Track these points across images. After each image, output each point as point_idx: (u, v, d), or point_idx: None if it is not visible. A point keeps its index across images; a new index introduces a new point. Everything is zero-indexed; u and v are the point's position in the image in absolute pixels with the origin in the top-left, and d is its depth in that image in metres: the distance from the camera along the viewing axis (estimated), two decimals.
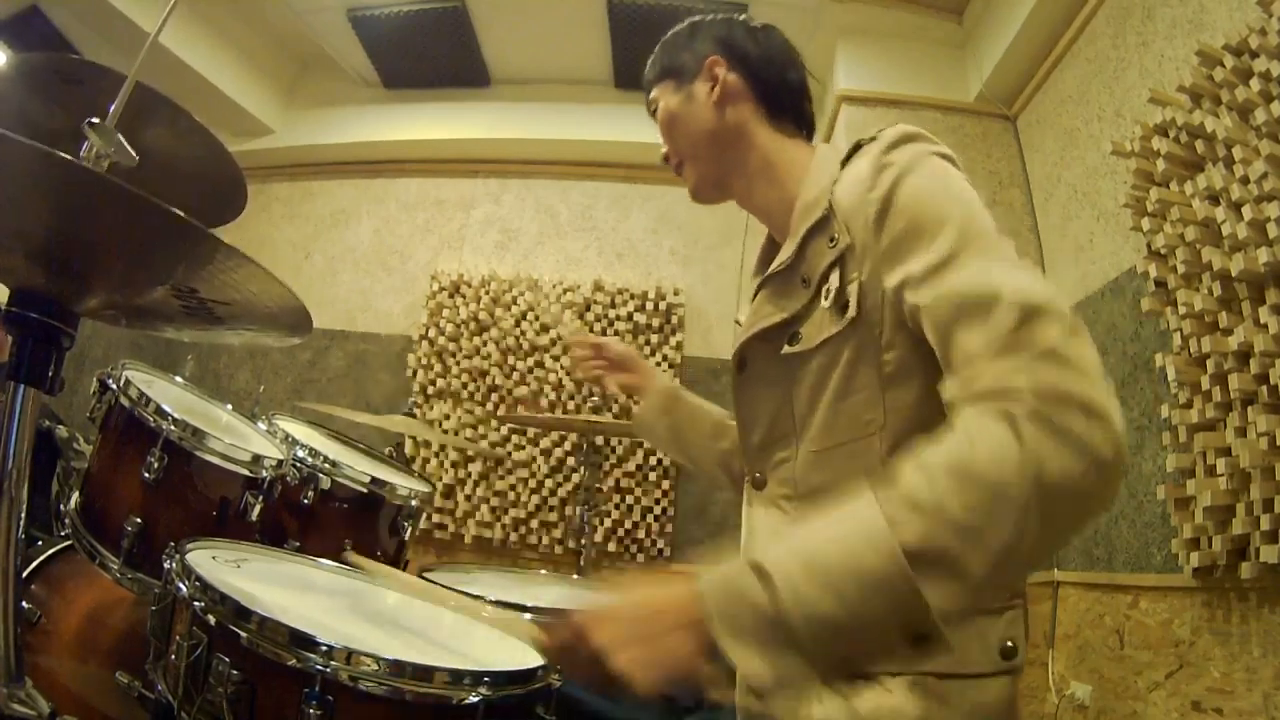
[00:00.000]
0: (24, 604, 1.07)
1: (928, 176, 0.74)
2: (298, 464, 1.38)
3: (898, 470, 0.59)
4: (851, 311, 0.76)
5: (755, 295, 0.89)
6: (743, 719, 0.75)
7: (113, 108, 0.91)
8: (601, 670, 0.58)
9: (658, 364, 3.04)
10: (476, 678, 0.73)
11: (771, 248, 0.97)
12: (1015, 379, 0.57)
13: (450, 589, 1.08)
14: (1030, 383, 0.57)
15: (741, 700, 0.75)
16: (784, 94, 0.95)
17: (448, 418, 3.06)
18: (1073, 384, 0.56)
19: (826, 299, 0.79)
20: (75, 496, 1.19)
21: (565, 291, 3.15)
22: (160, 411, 1.14)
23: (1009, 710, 0.73)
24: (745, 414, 0.89)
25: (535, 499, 2.95)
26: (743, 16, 0.99)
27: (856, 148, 0.83)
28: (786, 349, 0.82)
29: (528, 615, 1.22)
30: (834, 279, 0.78)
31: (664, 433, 1.21)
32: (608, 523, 2.89)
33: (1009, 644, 0.73)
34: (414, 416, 2.31)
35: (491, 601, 1.24)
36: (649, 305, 3.09)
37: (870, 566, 0.54)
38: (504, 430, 3.01)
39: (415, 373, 3.14)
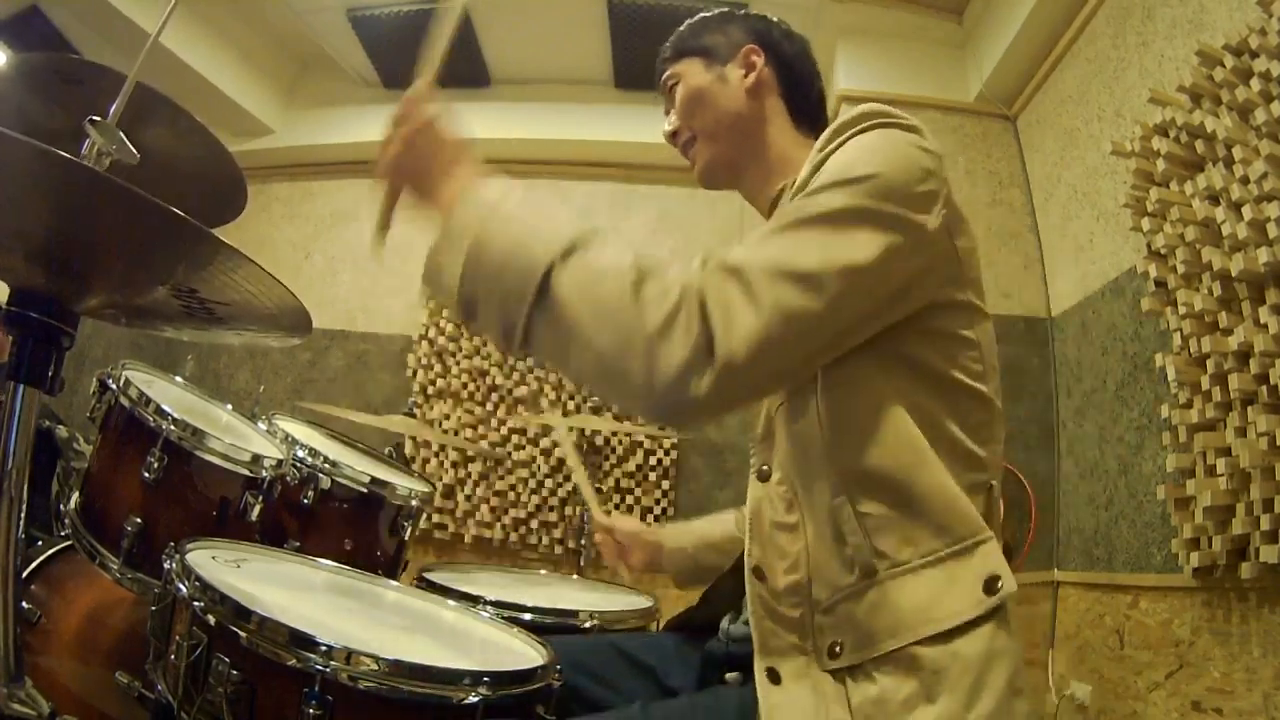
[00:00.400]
0: (24, 604, 1.08)
1: (864, 138, 0.73)
2: (298, 464, 1.38)
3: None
4: None
5: None
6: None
7: (113, 107, 0.91)
8: (391, 149, 0.74)
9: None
10: (476, 677, 0.73)
11: None
12: (711, 279, 0.63)
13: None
14: (703, 285, 0.62)
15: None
16: (808, 98, 0.96)
17: (448, 418, 3.06)
18: (718, 319, 0.61)
19: None
20: (75, 496, 1.18)
21: None
22: (160, 411, 1.14)
23: (1001, 660, 0.66)
24: (748, 409, 0.90)
25: (535, 499, 2.95)
26: (775, 18, 1.00)
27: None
28: None
29: (526, 616, 1.24)
30: None
31: (705, 575, 1.15)
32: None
33: (987, 580, 0.68)
34: (414, 416, 2.31)
35: (490, 602, 1.24)
36: None
37: (527, 258, 0.63)
38: (504, 430, 3.01)
39: (415, 373, 3.14)
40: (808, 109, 0.96)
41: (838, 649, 0.71)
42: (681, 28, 1.00)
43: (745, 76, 0.93)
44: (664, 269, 0.63)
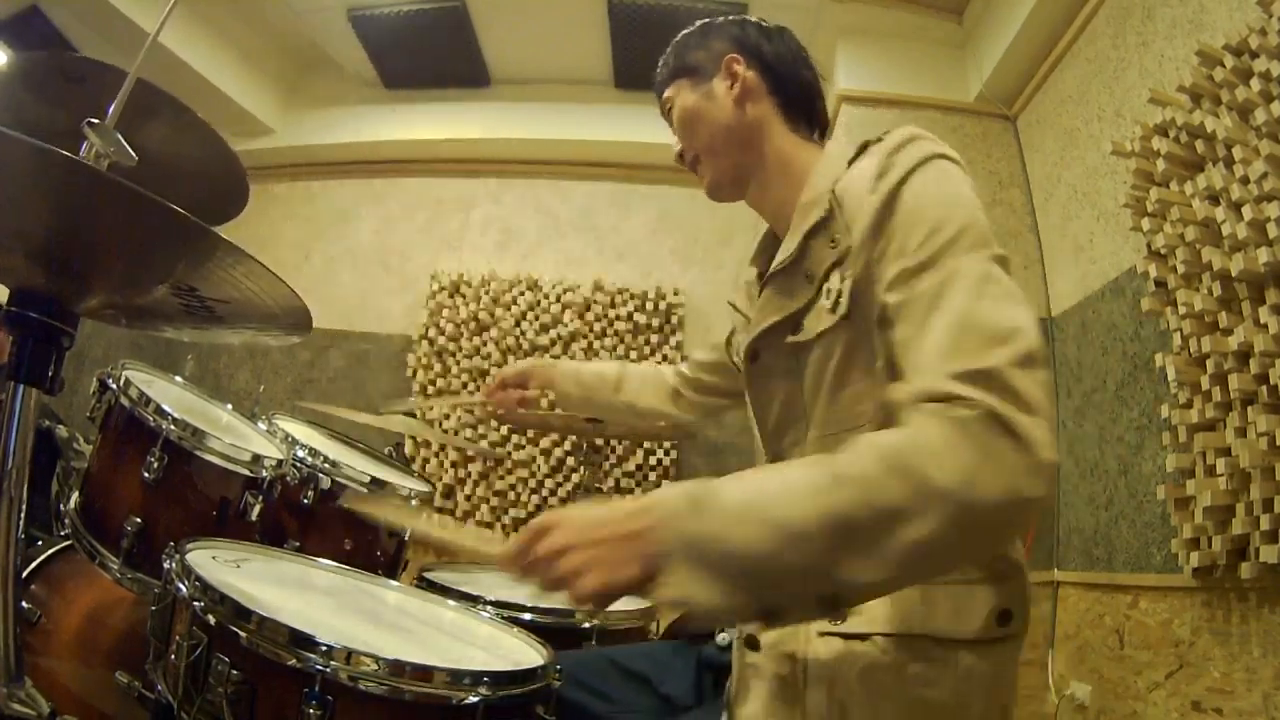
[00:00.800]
0: (24, 604, 1.08)
1: (929, 182, 0.75)
2: (298, 464, 1.38)
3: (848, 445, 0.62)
4: (842, 310, 0.78)
5: (761, 291, 0.90)
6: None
7: (113, 106, 0.91)
8: (549, 575, 0.62)
9: (657, 364, 3.04)
10: (476, 678, 0.73)
11: (772, 240, 0.98)
12: (965, 390, 0.59)
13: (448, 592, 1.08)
14: (979, 400, 0.58)
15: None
16: (799, 93, 0.95)
17: (448, 418, 3.06)
18: (1014, 416, 0.58)
19: (828, 298, 0.81)
20: (75, 496, 1.18)
21: (565, 291, 3.15)
22: (160, 411, 1.14)
23: (1003, 678, 0.75)
24: (759, 402, 0.91)
25: (535, 499, 2.95)
26: (755, 17, 1.00)
27: (863, 148, 0.84)
28: (791, 338, 0.85)
29: (526, 616, 1.24)
30: (835, 279, 0.80)
31: (579, 403, 1.40)
32: None
33: (1004, 611, 0.74)
34: (414, 416, 2.31)
35: (490, 602, 1.24)
36: (649, 305, 3.09)
37: (798, 522, 0.58)
38: (504, 430, 3.01)
39: (415, 373, 3.14)
40: (802, 103, 0.95)
41: (839, 618, 0.75)
42: (668, 50, 1.00)
43: (731, 87, 0.93)
44: (899, 438, 0.60)
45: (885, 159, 0.77)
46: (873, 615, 0.74)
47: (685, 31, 0.99)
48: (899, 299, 0.69)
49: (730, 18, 0.99)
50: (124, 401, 1.16)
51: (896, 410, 0.63)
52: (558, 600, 0.63)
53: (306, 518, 1.41)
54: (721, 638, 0.97)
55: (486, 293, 3.18)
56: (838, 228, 0.80)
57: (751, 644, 0.79)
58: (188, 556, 0.83)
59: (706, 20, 0.99)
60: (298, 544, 1.38)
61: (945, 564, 0.61)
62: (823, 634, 0.75)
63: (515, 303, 3.16)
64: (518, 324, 3.13)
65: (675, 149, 0.99)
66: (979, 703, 0.73)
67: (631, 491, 2.93)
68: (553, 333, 3.10)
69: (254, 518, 1.21)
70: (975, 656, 0.73)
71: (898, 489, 0.57)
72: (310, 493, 1.40)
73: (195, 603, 0.74)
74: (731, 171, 0.95)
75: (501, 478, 2.97)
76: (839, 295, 0.79)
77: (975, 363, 0.60)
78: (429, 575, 1.41)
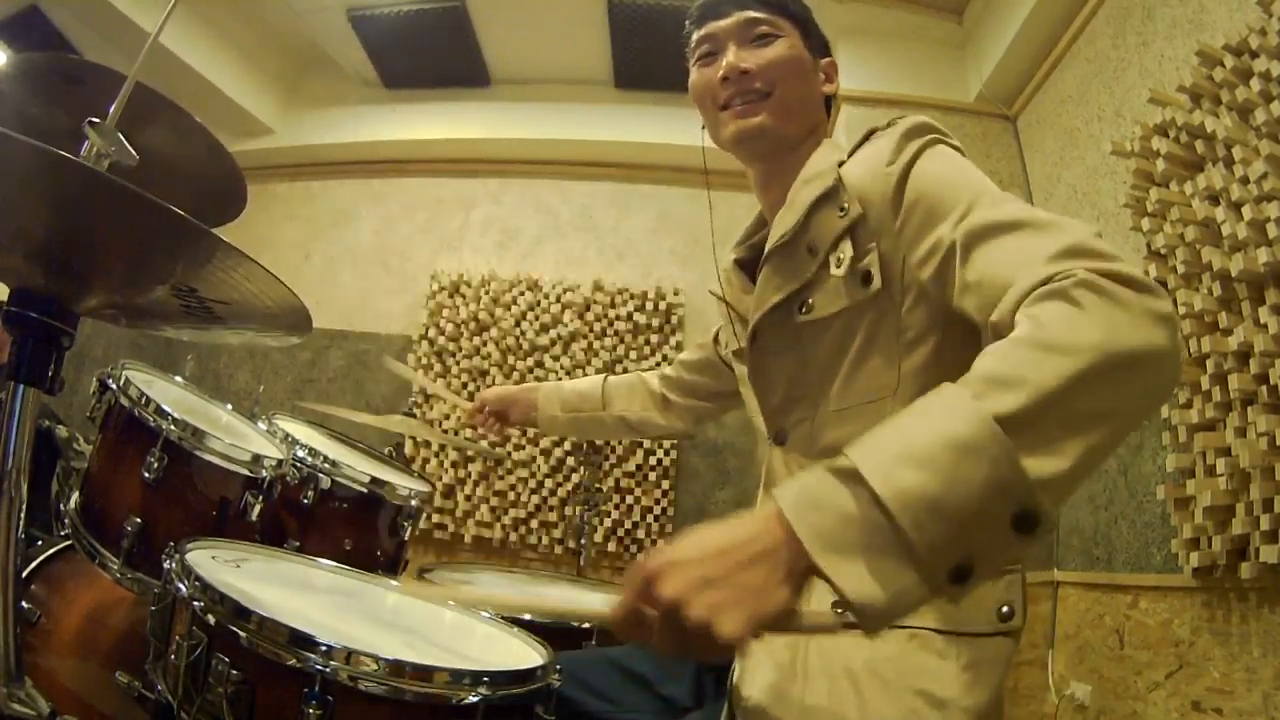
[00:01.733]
0: (24, 604, 1.07)
1: (943, 159, 0.79)
2: (298, 464, 1.38)
3: (974, 361, 0.57)
4: (876, 283, 0.79)
5: (759, 271, 0.90)
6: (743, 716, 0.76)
7: (113, 108, 0.91)
8: (679, 628, 0.50)
9: (657, 364, 3.04)
10: (476, 678, 0.73)
11: (760, 225, 1.00)
12: (1060, 268, 0.59)
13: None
14: (1077, 267, 0.58)
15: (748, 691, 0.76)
16: (833, 112, 1.03)
17: (447, 418, 3.06)
18: (1117, 266, 0.57)
19: (839, 267, 0.81)
20: (75, 496, 1.18)
21: (565, 291, 3.15)
22: (160, 411, 1.14)
23: (1002, 670, 0.76)
24: (761, 382, 0.91)
25: (535, 499, 2.95)
26: None
27: (869, 135, 0.87)
28: (800, 318, 0.85)
29: (526, 616, 1.23)
30: (845, 248, 0.81)
31: (567, 428, 1.41)
32: (607, 523, 2.89)
33: (1006, 608, 0.75)
34: (414, 416, 2.30)
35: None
36: (649, 305, 3.09)
37: (964, 436, 0.50)
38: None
39: (415, 372, 3.14)
40: (828, 126, 1.00)
41: (841, 608, 0.74)
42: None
43: (825, 83, 0.97)
44: (1024, 329, 0.57)
45: (899, 139, 0.80)
46: None
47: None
48: (962, 233, 0.70)
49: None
50: (124, 401, 1.16)
51: (1006, 320, 0.61)
52: (706, 655, 0.51)
53: (306, 518, 1.41)
54: None
55: (486, 293, 3.18)
56: (846, 198, 0.81)
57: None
58: (188, 556, 0.83)
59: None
60: (298, 544, 1.38)
61: (1120, 426, 0.55)
62: None
63: (515, 303, 3.16)
64: (518, 324, 3.13)
65: (741, 64, 0.90)
66: (979, 694, 0.73)
67: (631, 491, 2.93)
68: (553, 333, 3.10)
69: (254, 518, 1.21)
70: (978, 650, 0.74)
71: (1047, 364, 0.52)
72: (310, 493, 1.40)
73: (195, 603, 0.74)
74: (789, 133, 0.93)
75: (501, 478, 2.97)
76: (867, 268, 0.79)
77: (1062, 245, 0.61)
78: (429, 575, 1.41)
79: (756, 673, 0.77)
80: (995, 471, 0.49)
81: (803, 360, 0.86)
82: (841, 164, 0.86)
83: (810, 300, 0.84)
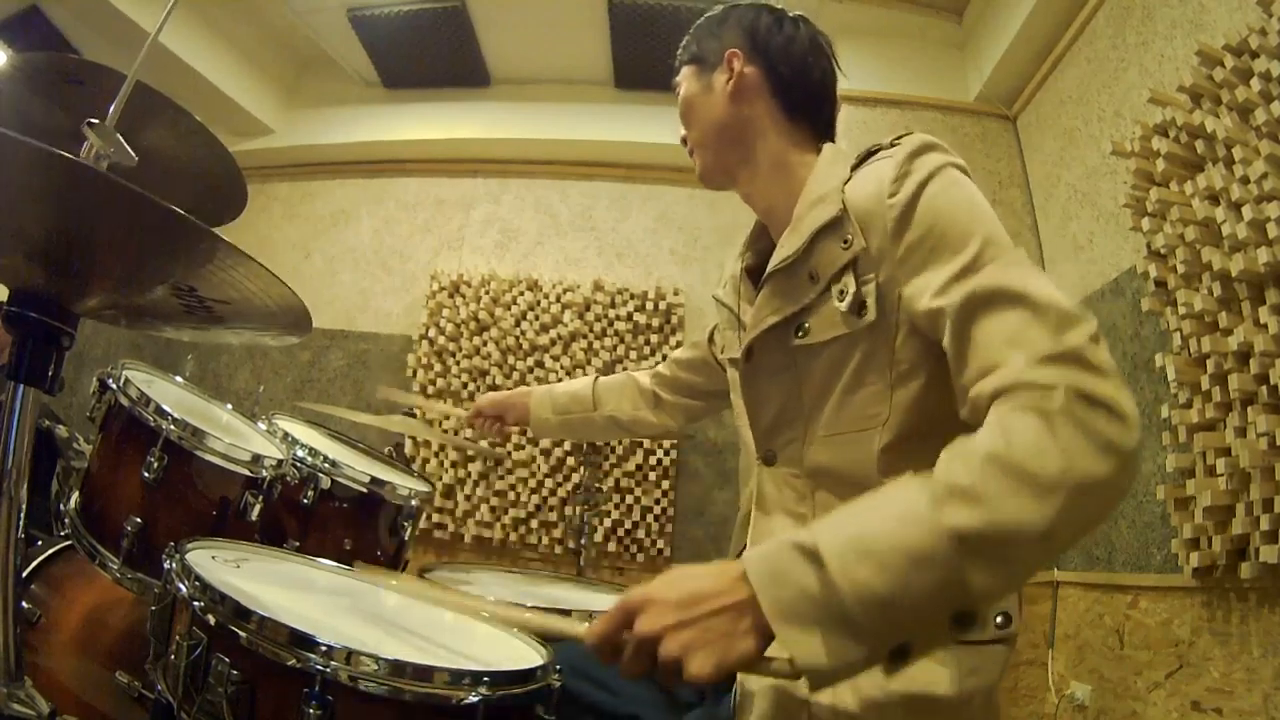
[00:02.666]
0: (24, 604, 1.08)
1: (949, 187, 0.76)
2: (298, 464, 1.38)
3: (939, 459, 0.61)
4: (870, 315, 0.78)
5: (758, 288, 0.89)
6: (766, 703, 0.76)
7: (112, 108, 0.91)
8: (649, 658, 0.58)
9: (657, 364, 3.04)
10: (476, 678, 0.73)
11: (762, 234, 0.99)
12: (1046, 376, 0.60)
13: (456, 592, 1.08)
14: (1061, 382, 0.59)
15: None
16: (802, 92, 0.93)
17: (447, 418, 3.06)
18: (1099, 387, 0.59)
19: (841, 300, 0.81)
20: (75, 496, 1.18)
21: (565, 291, 3.15)
22: (160, 411, 1.14)
23: (1000, 666, 0.77)
24: (753, 400, 0.91)
25: (535, 499, 2.95)
26: (778, 4, 0.98)
27: (871, 153, 0.84)
28: (796, 341, 0.84)
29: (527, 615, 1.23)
30: (848, 281, 0.80)
31: (559, 430, 1.41)
32: (607, 523, 2.89)
33: (1003, 616, 0.77)
34: (414, 416, 2.31)
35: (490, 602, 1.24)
36: (649, 305, 3.09)
37: (918, 545, 0.56)
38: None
39: (415, 373, 3.14)
40: (806, 106, 0.94)
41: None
42: (691, 31, 1.00)
43: (727, 82, 0.92)
44: (993, 440, 0.59)
45: (902, 164, 0.78)
46: None
47: (708, 15, 0.99)
48: (949, 302, 0.69)
49: (748, 5, 0.97)
50: (124, 401, 1.16)
51: (981, 405, 0.63)
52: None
53: (306, 518, 1.41)
54: None
55: (486, 293, 3.18)
56: (850, 229, 0.80)
57: None
58: (188, 556, 0.83)
59: (730, 5, 0.98)
60: (298, 544, 1.38)
61: (1067, 545, 0.61)
62: None
63: (515, 303, 3.16)
64: (518, 324, 3.13)
65: (681, 133, 0.99)
66: (978, 700, 0.74)
67: (631, 491, 2.93)
68: (553, 333, 3.10)
69: (254, 518, 1.21)
70: (977, 657, 0.75)
71: (1009, 493, 0.56)
72: (310, 493, 1.39)
73: (195, 602, 0.74)
74: (719, 165, 0.96)
75: (501, 478, 2.97)
76: (863, 300, 0.79)
77: (1054, 346, 0.62)
78: (429, 575, 1.41)
79: (756, 691, 0.77)
80: (942, 582, 0.56)
81: (796, 383, 0.85)
82: (847, 180, 0.83)
83: (807, 325, 0.83)
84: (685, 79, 0.98)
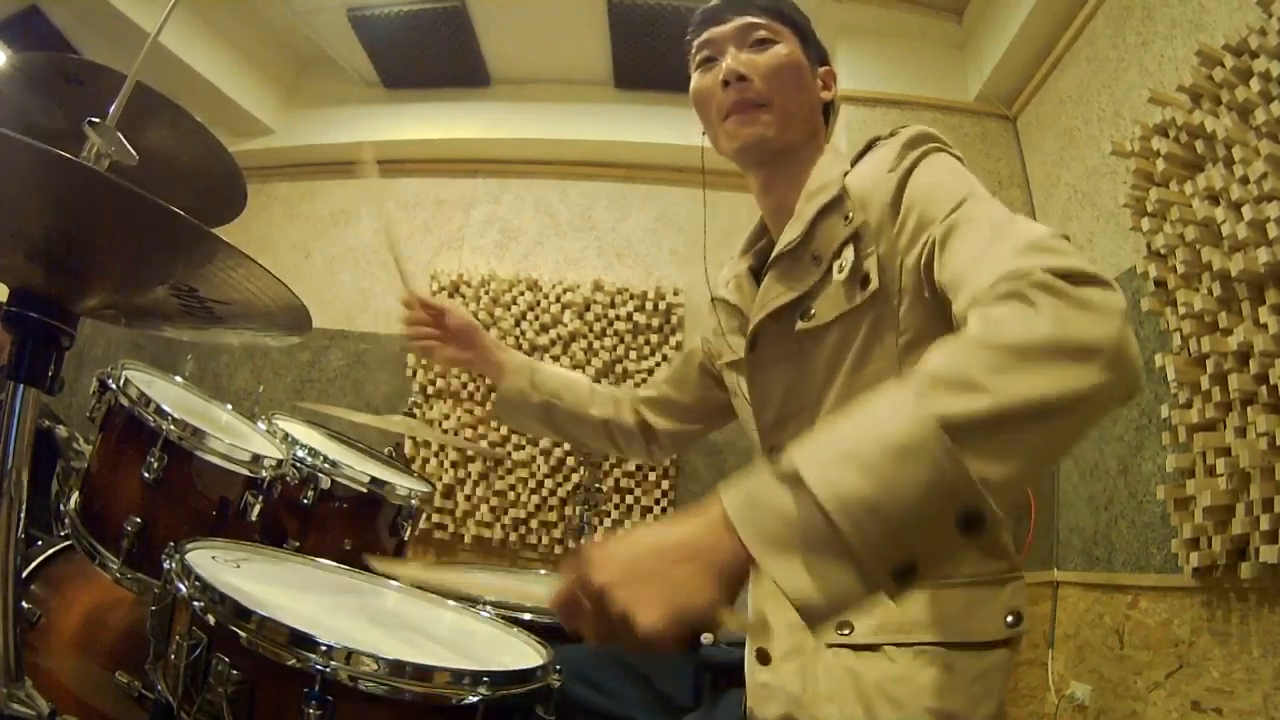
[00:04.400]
0: (24, 604, 1.07)
1: (945, 163, 0.80)
2: (297, 464, 1.38)
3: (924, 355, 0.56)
4: (874, 284, 0.79)
5: (761, 277, 0.90)
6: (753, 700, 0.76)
7: (112, 108, 0.91)
8: (605, 617, 0.51)
9: (657, 364, 3.04)
10: (476, 678, 0.73)
11: (762, 233, 1.01)
12: (1018, 264, 0.58)
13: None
14: (1035, 264, 0.57)
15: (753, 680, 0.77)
16: (832, 114, 1.01)
17: (448, 418, 3.06)
18: (1074, 263, 0.57)
19: (840, 273, 0.81)
20: (75, 496, 1.18)
21: (565, 291, 3.15)
22: (160, 411, 1.14)
23: (1006, 675, 0.77)
24: (758, 392, 0.91)
25: (535, 499, 2.95)
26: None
27: (871, 145, 0.88)
28: (800, 325, 0.84)
29: (526, 616, 1.23)
30: (848, 254, 0.81)
31: (536, 411, 1.15)
32: (607, 523, 2.89)
33: (1013, 615, 0.76)
34: (414, 416, 2.31)
35: (490, 602, 1.24)
36: (649, 305, 3.09)
37: (905, 438, 0.50)
38: (504, 430, 3.01)
39: (415, 373, 3.14)
40: (829, 122, 1.01)
41: (846, 629, 0.73)
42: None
43: (822, 89, 0.97)
44: (975, 326, 0.57)
45: (901, 148, 0.81)
46: (881, 623, 0.74)
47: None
48: (943, 229, 0.71)
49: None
50: (124, 401, 1.16)
51: (963, 316, 0.62)
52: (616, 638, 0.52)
53: (306, 518, 1.41)
54: (706, 636, 0.96)
55: (486, 293, 3.18)
56: (850, 206, 0.82)
57: (763, 658, 0.78)
58: (187, 556, 0.83)
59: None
60: (298, 544, 1.38)
61: (1073, 423, 0.53)
62: (831, 646, 0.75)
63: (515, 303, 3.16)
64: (518, 324, 3.13)
65: (738, 69, 0.89)
66: (988, 706, 0.74)
67: (631, 491, 2.93)
68: (552, 333, 3.10)
69: (254, 518, 1.22)
70: (985, 660, 0.74)
71: (995, 364, 0.51)
72: (310, 493, 1.40)
73: (195, 602, 0.74)
74: (788, 143, 0.92)
75: (501, 478, 2.97)
76: (865, 271, 0.79)
77: (1020, 241, 0.62)
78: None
79: (769, 704, 0.76)
80: (937, 474, 0.49)
81: (801, 370, 0.85)
82: (846, 173, 0.86)
83: (812, 308, 0.83)
84: (791, 41, 0.93)
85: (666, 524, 0.55)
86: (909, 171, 0.79)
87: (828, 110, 0.99)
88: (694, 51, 0.96)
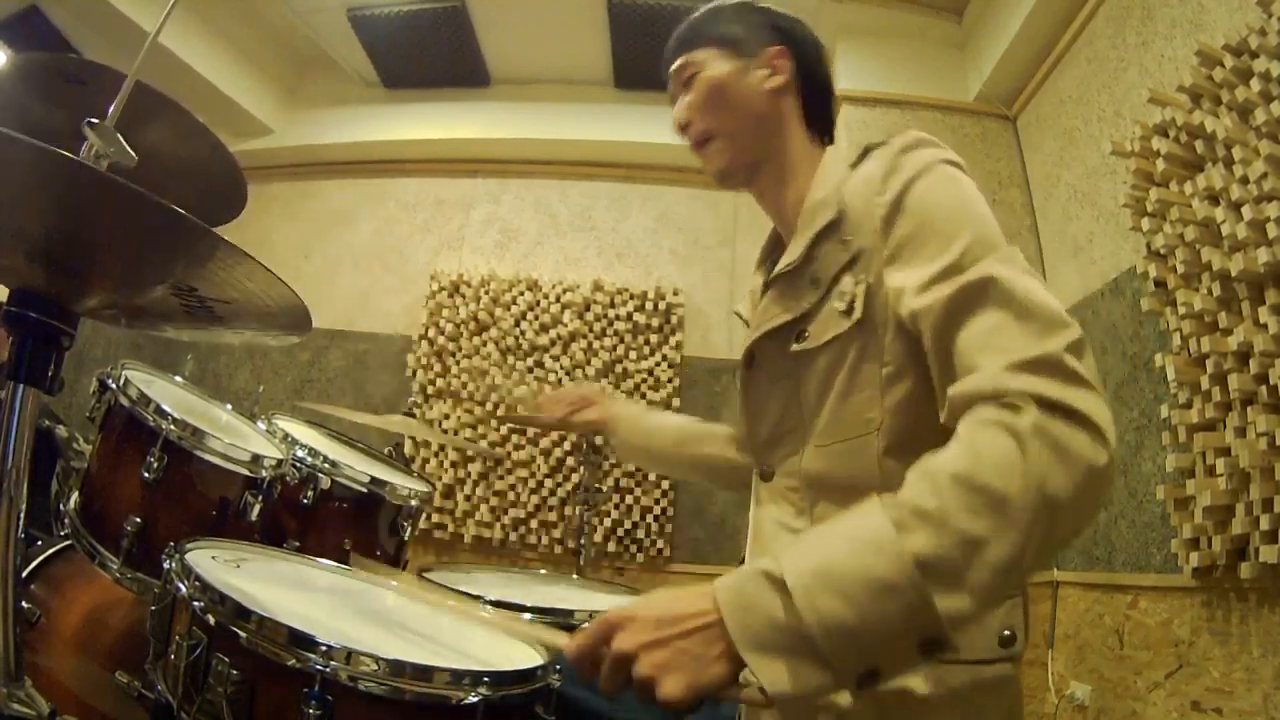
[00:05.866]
0: (24, 604, 1.07)
1: (937, 182, 0.76)
2: (297, 464, 1.38)
3: (905, 478, 0.60)
4: (857, 314, 0.78)
5: (763, 294, 0.89)
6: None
7: (112, 107, 0.91)
8: (624, 676, 0.58)
9: (657, 364, 3.04)
10: (476, 678, 0.73)
11: (776, 244, 0.98)
12: (1019, 384, 0.59)
13: (455, 590, 1.08)
14: (1036, 392, 0.58)
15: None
16: (822, 98, 0.95)
17: (447, 417, 3.06)
18: (1073, 398, 0.58)
19: (840, 300, 0.80)
20: (75, 496, 1.18)
21: (565, 291, 3.15)
22: (160, 411, 1.14)
23: (1007, 692, 0.75)
24: (753, 409, 0.90)
25: (535, 499, 2.95)
26: (778, 5, 0.97)
27: (865, 152, 0.84)
28: (795, 346, 0.84)
29: (526, 616, 1.23)
30: (847, 281, 0.80)
31: (643, 457, 1.30)
32: (607, 523, 2.89)
33: (1007, 633, 0.75)
34: (414, 416, 2.30)
35: (490, 602, 1.24)
36: (649, 305, 3.09)
37: (882, 573, 0.55)
38: (504, 430, 3.01)
39: (415, 373, 3.14)
40: (822, 115, 0.95)
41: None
42: (695, 14, 0.94)
43: (769, 77, 0.90)
44: (961, 457, 0.59)
45: (892, 160, 0.78)
46: None
47: (722, 3, 0.95)
48: (931, 302, 0.69)
49: (776, 8, 0.95)
50: (124, 401, 1.16)
51: (957, 413, 0.62)
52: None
53: (306, 518, 1.41)
54: None
55: (486, 293, 3.18)
56: (848, 230, 0.80)
57: None
58: (187, 556, 0.83)
59: (757, 3, 0.95)
60: (298, 544, 1.38)
61: (1042, 563, 0.60)
62: None
63: (515, 303, 3.16)
64: (517, 324, 3.13)
65: (679, 118, 0.91)
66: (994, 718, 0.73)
67: (631, 491, 2.93)
68: (552, 333, 3.10)
69: (254, 518, 1.21)
70: (980, 678, 0.73)
71: (975, 514, 0.55)
72: (310, 493, 1.40)
73: (195, 602, 0.74)
74: (747, 160, 0.91)
75: (501, 478, 2.97)
76: (853, 299, 0.78)
77: (1031, 351, 0.61)
78: (428, 575, 1.41)
79: (764, 718, 0.76)
80: (908, 609, 0.55)
81: (794, 391, 0.85)
82: (845, 180, 0.84)
83: (807, 330, 0.83)
84: (708, 59, 0.90)
85: (675, 595, 0.61)
86: (899, 196, 0.75)
87: (800, 91, 0.92)
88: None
